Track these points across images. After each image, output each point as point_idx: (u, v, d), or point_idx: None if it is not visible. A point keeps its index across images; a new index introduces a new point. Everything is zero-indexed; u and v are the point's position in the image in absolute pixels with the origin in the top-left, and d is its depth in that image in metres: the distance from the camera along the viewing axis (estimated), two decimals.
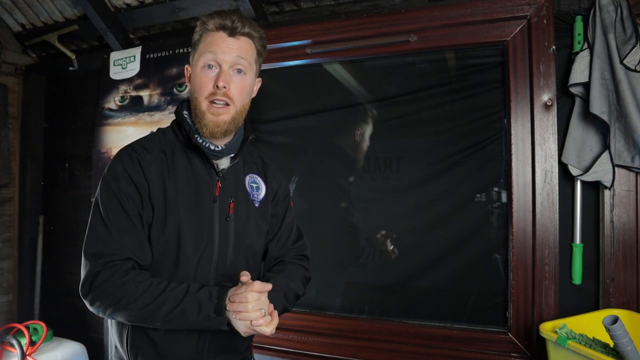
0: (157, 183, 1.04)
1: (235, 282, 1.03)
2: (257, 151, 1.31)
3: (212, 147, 1.09)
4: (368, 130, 1.97)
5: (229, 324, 0.98)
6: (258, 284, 0.96)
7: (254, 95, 1.16)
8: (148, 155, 1.06)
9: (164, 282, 1.00)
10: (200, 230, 1.06)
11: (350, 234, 1.99)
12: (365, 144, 1.97)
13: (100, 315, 1.01)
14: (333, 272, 2.01)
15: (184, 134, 1.09)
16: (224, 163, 1.12)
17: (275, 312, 1.00)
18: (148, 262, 1.05)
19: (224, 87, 1.03)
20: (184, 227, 1.04)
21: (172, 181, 1.06)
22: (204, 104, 1.04)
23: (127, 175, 1.02)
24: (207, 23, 1.05)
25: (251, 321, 0.94)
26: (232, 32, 1.05)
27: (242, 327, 0.96)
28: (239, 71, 1.06)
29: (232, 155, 1.13)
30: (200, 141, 1.07)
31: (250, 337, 1.18)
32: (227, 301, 0.97)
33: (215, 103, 1.04)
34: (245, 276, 0.97)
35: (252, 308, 0.93)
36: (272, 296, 1.02)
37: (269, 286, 0.98)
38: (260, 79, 1.17)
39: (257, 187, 1.19)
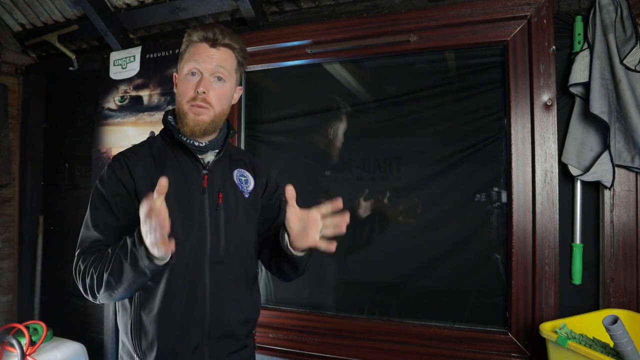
0: (144, 180, 1.13)
1: (228, 269, 1.15)
2: (243, 151, 1.41)
3: (196, 144, 1.18)
4: (342, 127, 1.99)
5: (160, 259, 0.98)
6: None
7: (234, 102, 1.25)
8: (135, 157, 1.17)
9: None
10: (191, 221, 1.14)
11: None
12: (339, 141, 1.99)
13: (91, 298, 1.07)
14: (334, 271, 2.01)
15: (169, 134, 1.19)
16: (209, 157, 1.20)
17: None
18: None
19: (204, 92, 1.13)
20: (174, 220, 1.08)
21: (159, 177, 1.10)
22: (186, 106, 1.14)
23: (114, 175, 1.14)
24: (192, 35, 1.16)
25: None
26: (214, 43, 1.15)
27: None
28: (219, 79, 1.16)
29: (217, 150, 1.21)
30: (185, 139, 1.17)
31: (250, 324, 1.26)
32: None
33: (195, 106, 1.13)
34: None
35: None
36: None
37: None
38: (241, 87, 1.27)
39: (246, 180, 1.27)
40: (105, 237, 1.10)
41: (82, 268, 1.07)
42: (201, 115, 1.13)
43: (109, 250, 1.04)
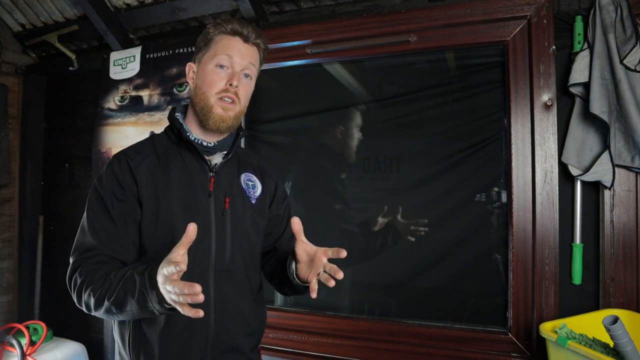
0: (146, 181, 1.07)
1: (233, 278, 1.10)
2: (252, 153, 1.35)
3: (204, 143, 1.13)
4: (353, 124, 1.98)
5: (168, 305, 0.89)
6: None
7: None
8: (138, 156, 1.10)
9: (125, 266, 1.00)
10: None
11: (354, 233, 1.99)
12: (352, 139, 1.98)
13: (85, 309, 1.02)
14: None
15: (176, 132, 1.13)
16: (216, 159, 1.15)
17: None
18: (129, 258, 1.05)
19: (237, 86, 1.09)
20: (177, 223, 1.05)
21: (164, 179, 1.08)
22: (212, 99, 1.09)
23: (114, 176, 1.07)
24: (225, 26, 1.11)
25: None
26: (247, 39, 1.12)
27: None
28: (247, 75, 1.13)
29: (225, 152, 1.16)
30: (192, 138, 1.12)
31: (256, 337, 1.20)
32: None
33: (224, 99, 1.09)
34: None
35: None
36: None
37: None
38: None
39: (253, 185, 1.21)
40: (102, 245, 1.03)
41: (78, 282, 0.99)
42: (229, 111, 1.09)
43: (112, 276, 0.95)
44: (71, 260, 1.04)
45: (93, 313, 1.01)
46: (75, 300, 1.03)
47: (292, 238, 1.21)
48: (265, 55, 1.19)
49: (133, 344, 1.06)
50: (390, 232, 1.89)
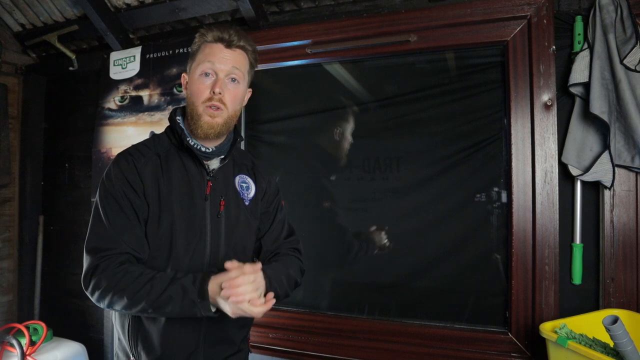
0: (151, 183, 1.11)
1: None
2: (247, 154, 1.39)
3: (203, 149, 1.17)
4: (349, 128, 1.99)
5: (218, 310, 1.03)
6: (248, 266, 1.01)
7: (244, 103, 1.25)
8: (143, 157, 1.14)
9: (155, 271, 1.06)
10: (192, 228, 1.13)
11: (349, 233, 1.99)
12: (347, 142, 1.99)
13: (102, 305, 1.06)
14: (334, 271, 2.01)
15: (177, 137, 1.17)
16: (214, 164, 1.20)
17: (271, 294, 1.05)
18: (146, 256, 1.11)
19: (220, 93, 1.12)
20: (176, 225, 1.11)
21: (165, 181, 1.13)
22: (200, 108, 1.13)
23: (123, 176, 1.10)
24: (206, 35, 1.15)
25: (248, 301, 0.98)
26: (229, 44, 1.14)
27: (232, 308, 0.99)
28: (233, 80, 1.15)
29: (222, 156, 1.20)
30: (192, 143, 1.16)
31: (246, 329, 1.27)
32: (211, 286, 1.00)
33: (211, 107, 1.12)
34: (230, 263, 1.02)
35: (249, 289, 0.98)
36: (274, 277, 1.10)
37: (258, 266, 1.04)
38: (250, 89, 1.25)
39: (247, 187, 1.26)
40: (122, 244, 1.06)
41: (102, 283, 1.02)
42: (216, 117, 1.12)
43: (154, 282, 1.01)
44: (88, 259, 1.06)
45: (114, 309, 1.07)
46: (94, 297, 1.06)
47: (277, 240, 1.30)
48: (255, 57, 1.21)
49: (132, 332, 1.13)
50: (390, 232, 1.90)
